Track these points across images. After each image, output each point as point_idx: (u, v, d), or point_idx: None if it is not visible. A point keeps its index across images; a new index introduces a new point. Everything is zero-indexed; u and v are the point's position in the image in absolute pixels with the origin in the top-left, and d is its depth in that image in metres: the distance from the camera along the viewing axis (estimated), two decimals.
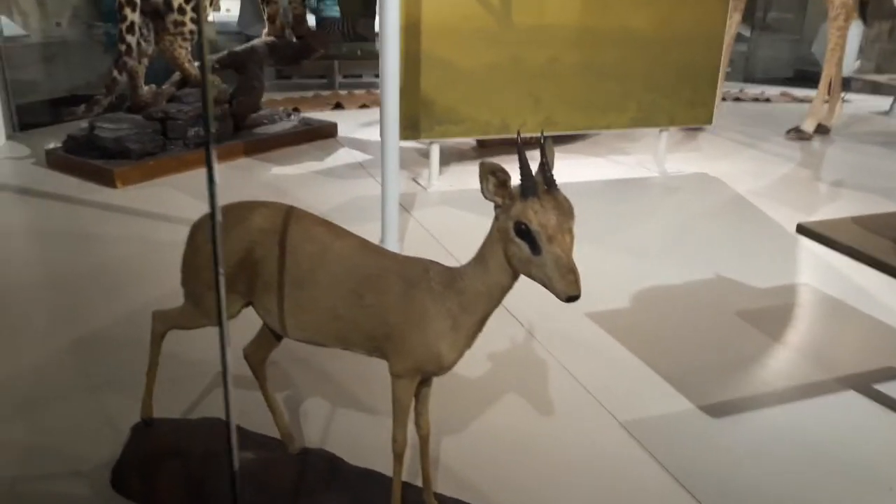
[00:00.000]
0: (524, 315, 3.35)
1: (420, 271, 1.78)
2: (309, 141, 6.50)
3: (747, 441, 2.60)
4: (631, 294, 3.72)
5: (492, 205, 1.65)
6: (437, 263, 1.82)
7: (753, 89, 9.99)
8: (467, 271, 1.74)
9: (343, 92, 8.86)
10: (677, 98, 5.87)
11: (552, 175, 1.63)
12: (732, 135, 7.38)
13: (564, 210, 1.59)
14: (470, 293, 1.73)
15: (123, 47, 5.31)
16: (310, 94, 8.55)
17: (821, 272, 4.04)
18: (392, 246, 3.99)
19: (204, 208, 2.06)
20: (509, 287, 1.73)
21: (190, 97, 5.69)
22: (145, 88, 5.63)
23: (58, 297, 3.61)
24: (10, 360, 2.99)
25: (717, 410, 2.77)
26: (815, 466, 2.48)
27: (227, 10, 9.72)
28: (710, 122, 6.15)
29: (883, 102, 9.05)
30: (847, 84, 8.58)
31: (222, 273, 1.42)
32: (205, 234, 1.92)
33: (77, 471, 2.33)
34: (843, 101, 7.69)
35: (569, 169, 5.99)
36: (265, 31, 6.65)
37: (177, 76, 5.92)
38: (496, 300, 1.75)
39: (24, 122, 6.60)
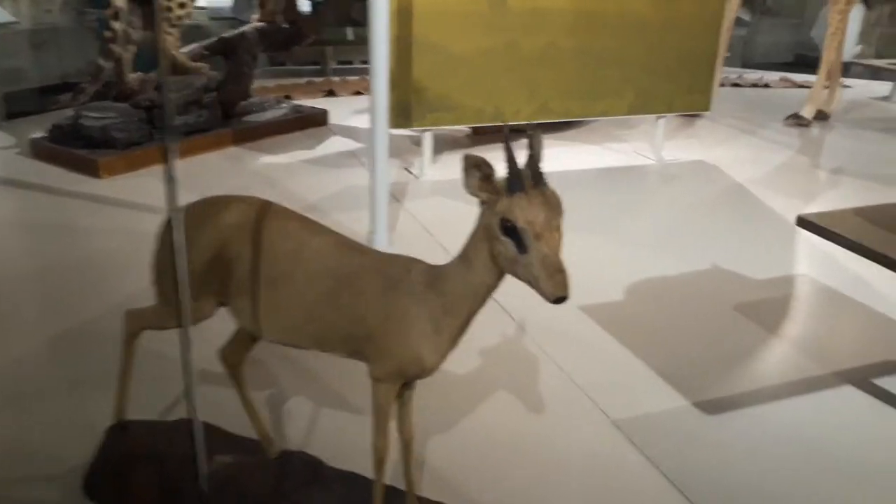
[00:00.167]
0: (515, 308, 3.27)
1: (401, 270, 1.70)
2: (300, 129, 6.38)
3: (742, 438, 2.53)
4: (625, 286, 3.64)
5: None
6: (420, 262, 1.73)
7: (752, 75, 9.86)
8: (451, 270, 1.66)
9: (336, 79, 8.72)
10: (675, 84, 5.76)
11: (540, 169, 1.54)
12: (731, 121, 7.27)
13: (552, 206, 1.50)
14: (453, 294, 1.65)
15: (109, 34, 5.19)
16: (302, 80, 8.41)
17: (820, 263, 3.96)
18: (382, 237, 3.90)
19: (193, 198, 1.98)
20: (495, 287, 1.64)
21: (178, 85, 5.57)
22: (132, 76, 5.51)
23: (40, 291, 3.52)
24: None
25: (711, 407, 2.69)
26: (812, 464, 2.41)
27: None
28: (708, 108, 6.05)
29: (883, 88, 8.93)
30: (847, 69, 8.46)
31: (185, 277, 1.33)
32: None
33: (48, 474, 2.25)
34: (843, 86, 7.58)
35: (564, 157, 5.90)
36: (256, 16, 6.52)
37: None
38: (481, 300, 1.66)
39: (12, 111, 6.48)
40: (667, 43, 5.60)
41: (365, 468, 2.11)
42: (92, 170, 4.98)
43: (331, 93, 7.95)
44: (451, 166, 5.49)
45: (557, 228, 1.49)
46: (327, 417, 2.57)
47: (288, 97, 7.28)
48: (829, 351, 3.12)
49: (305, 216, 1.85)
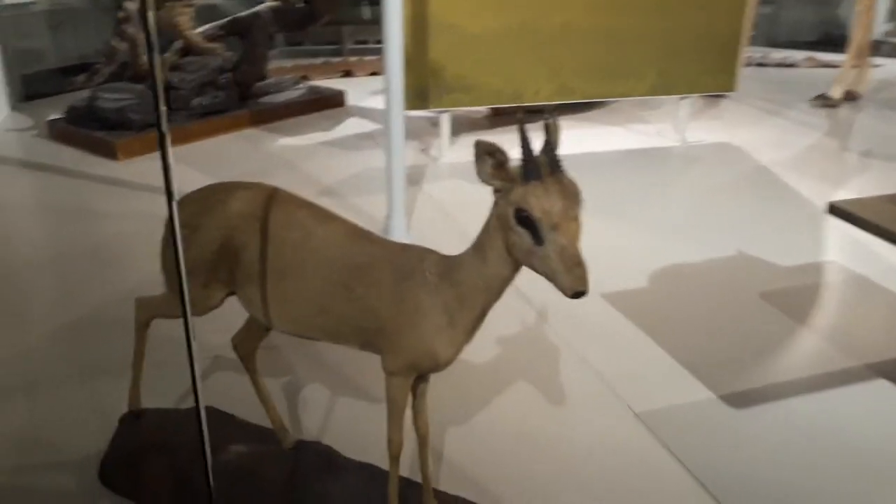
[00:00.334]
0: (535, 295, 3.20)
1: (414, 261, 1.63)
2: (317, 110, 6.32)
3: (769, 433, 2.45)
4: (648, 273, 3.55)
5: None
6: (433, 252, 1.66)
7: (778, 54, 9.62)
8: (465, 261, 1.59)
9: (353, 58, 8.63)
10: (698, 64, 5.60)
11: (557, 155, 1.46)
12: (756, 102, 7.09)
13: (570, 194, 1.42)
14: (467, 285, 1.58)
15: (123, 14, 5.14)
16: (319, 60, 8.33)
17: (849, 249, 3.83)
18: (399, 222, 3.83)
19: (208, 182, 1.93)
20: (511, 279, 1.57)
21: (193, 66, 5.52)
22: (145, 58, 5.46)
23: (55, 276, 3.51)
24: (1, 343, 2.89)
25: (737, 400, 2.61)
26: (842, 460, 2.33)
27: None
28: (732, 88, 5.88)
29: None
30: (877, 47, 8.22)
31: (183, 266, 1.27)
32: (183, 218, 1.76)
33: (65, 462, 2.23)
34: (873, 65, 7.35)
35: (584, 139, 5.78)
36: None
37: (179, 44, 5.74)
38: (496, 293, 1.60)
39: (30, 92, 6.48)
40: (690, 21, 5.45)
41: (381, 459, 2.07)
42: (109, 152, 4.95)
43: (348, 73, 7.87)
44: (470, 148, 5.37)
45: (575, 218, 1.41)
46: (344, 406, 2.52)
47: (305, 77, 7.21)
48: (859, 342, 3.02)
49: (315, 203, 1.78)
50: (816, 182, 4.88)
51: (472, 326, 1.65)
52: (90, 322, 3.03)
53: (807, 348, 2.98)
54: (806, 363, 2.87)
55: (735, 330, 3.09)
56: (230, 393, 2.46)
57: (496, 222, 1.50)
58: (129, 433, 2.17)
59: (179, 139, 5.26)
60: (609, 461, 2.31)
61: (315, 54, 8.84)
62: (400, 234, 3.83)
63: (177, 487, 2.05)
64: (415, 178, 4.78)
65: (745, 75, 6.48)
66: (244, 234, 1.71)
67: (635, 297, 3.34)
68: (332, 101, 6.51)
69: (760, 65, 9.03)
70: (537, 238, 1.41)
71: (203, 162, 4.96)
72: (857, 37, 6.82)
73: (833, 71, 7.55)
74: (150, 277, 3.09)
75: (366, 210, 4.20)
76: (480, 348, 2.82)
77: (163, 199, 1.87)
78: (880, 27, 9.53)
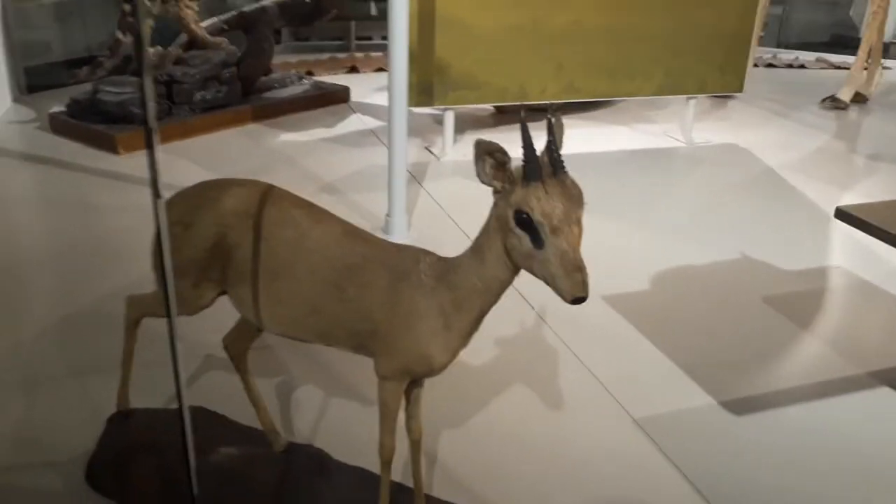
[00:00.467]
0: (534, 296, 3.15)
1: (409, 262, 1.59)
2: (321, 106, 6.28)
3: (771, 441, 2.40)
4: (650, 275, 3.50)
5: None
6: (429, 253, 1.62)
7: (787, 55, 9.54)
8: (462, 263, 1.55)
9: (359, 54, 8.59)
10: (707, 64, 5.54)
11: (560, 156, 1.41)
12: (764, 103, 7.03)
13: (572, 197, 1.38)
14: (464, 288, 1.54)
15: (127, 7, 5.11)
16: (325, 56, 8.29)
17: (856, 254, 3.78)
18: (399, 220, 3.79)
19: (210, 177, 1.89)
20: (509, 282, 1.53)
21: (196, 60, 5.48)
22: (150, 50, 5.43)
23: (54, 270, 3.47)
24: None
25: (739, 407, 2.56)
26: (846, 469, 2.28)
27: None
28: (740, 89, 5.82)
29: None
30: (888, 50, 8.14)
31: (169, 269, 1.23)
32: (174, 216, 1.73)
33: (52, 463, 2.19)
34: (884, 68, 7.28)
35: (590, 138, 5.73)
36: None
37: (183, 38, 5.70)
38: (494, 296, 1.56)
39: (33, 84, 6.45)
40: (699, 21, 5.39)
41: (374, 463, 2.02)
42: (110, 145, 4.92)
43: (354, 69, 7.83)
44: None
45: (577, 222, 1.37)
46: (337, 408, 2.48)
47: (310, 73, 7.17)
48: (864, 349, 2.96)
49: (310, 202, 1.74)
50: (824, 185, 4.82)
51: (468, 330, 1.61)
52: (87, 317, 3.00)
53: (809, 354, 2.92)
54: (808, 369, 2.81)
55: (737, 334, 3.04)
56: (222, 393, 2.42)
57: (495, 224, 1.46)
58: (116, 433, 2.13)
59: (181, 133, 5.23)
60: (606, 468, 2.26)
61: (321, 50, 8.80)
62: (400, 233, 3.79)
63: (165, 489, 2.01)
64: (417, 176, 4.74)
65: (753, 76, 6.43)
66: (237, 233, 1.67)
67: (636, 299, 3.29)
68: (336, 97, 6.46)
69: (770, 65, 8.96)
70: (537, 241, 1.37)
71: (204, 157, 4.93)
72: (869, 38, 6.75)
73: (844, 72, 7.48)
74: (149, 273, 3.07)
75: (367, 207, 4.16)
76: (478, 350, 2.78)
77: (164, 195, 1.84)
78: (893, 29, 9.44)
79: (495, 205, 1.46)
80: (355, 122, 5.97)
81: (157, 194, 1.15)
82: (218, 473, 2.04)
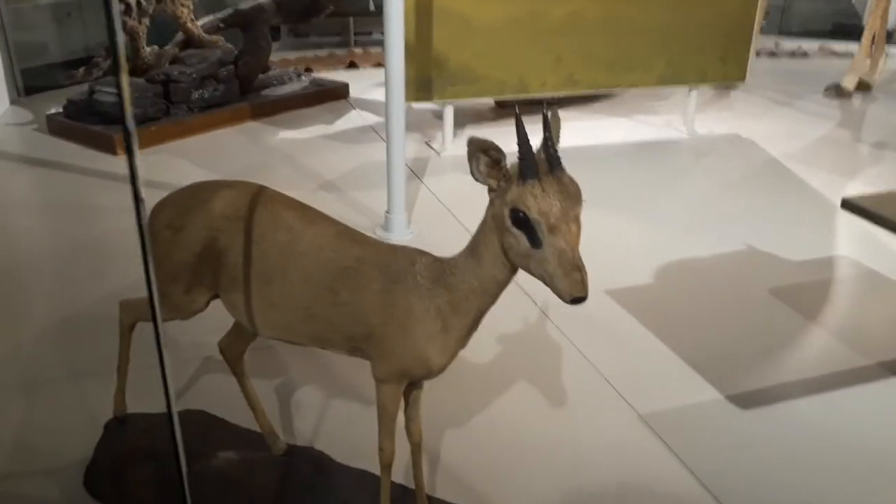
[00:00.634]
0: (537, 291, 3.11)
1: (405, 264, 1.55)
2: (319, 103, 6.23)
3: (778, 435, 2.37)
4: (654, 269, 3.46)
5: None
6: (425, 253, 1.58)
7: (790, 43, 9.46)
8: (459, 263, 1.52)
9: (358, 50, 8.54)
10: (708, 54, 5.48)
11: (556, 152, 1.37)
12: (767, 93, 6.96)
13: (570, 194, 1.34)
14: (461, 289, 1.51)
15: (122, 6, 5.06)
16: (324, 52, 8.25)
17: (863, 244, 3.73)
18: (399, 217, 3.75)
19: (208, 177, 1.85)
20: (507, 282, 1.50)
21: (193, 59, 5.44)
22: (147, 50, 5.39)
23: (52, 272, 3.45)
24: None
25: (746, 401, 2.52)
26: (855, 463, 2.24)
27: None
28: (743, 79, 5.76)
29: None
30: (891, 37, 8.05)
31: (153, 274, 1.20)
32: (164, 219, 1.70)
33: (50, 469, 2.17)
34: (887, 55, 7.20)
35: (591, 131, 5.68)
36: None
37: (180, 37, 5.67)
38: (492, 297, 1.52)
39: (30, 86, 6.42)
40: (700, 10, 5.32)
41: (376, 464, 1.98)
42: (108, 146, 4.89)
43: (353, 65, 7.78)
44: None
45: (575, 220, 1.33)
46: (338, 409, 2.45)
47: (309, 70, 7.13)
48: (872, 340, 2.92)
49: (302, 203, 1.70)
50: (828, 174, 4.77)
51: (466, 332, 1.58)
52: (86, 320, 2.97)
53: (817, 346, 2.88)
54: (816, 362, 2.77)
55: (743, 327, 3.00)
56: (222, 395, 2.40)
57: (492, 223, 1.43)
58: (114, 439, 2.11)
59: (179, 133, 5.19)
60: (612, 464, 2.23)
61: (320, 46, 8.76)
62: (400, 230, 3.75)
63: (163, 495, 1.98)
64: (417, 172, 4.70)
65: (755, 66, 6.36)
66: (228, 236, 1.63)
67: (641, 293, 3.25)
68: (335, 94, 6.42)
69: (772, 55, 8.88)
70: (534, 240, 1.34)
71: (203, 156, 4.89)
72: (872, 26, 6.68)
73: (847, 61, 7.41)
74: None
75: (367, 205, 4.13)
76: (480, 347, 2.75)
77: (162, 195, 1.82)
78: (895, 16, 9.34)
79: (491, 203, 1.42)
80: (355, 119, 5.93)
81: (137, 198, 1.11)
82: (217, 478, 2.02)
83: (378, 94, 6.53)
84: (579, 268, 1.31)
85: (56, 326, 2.94)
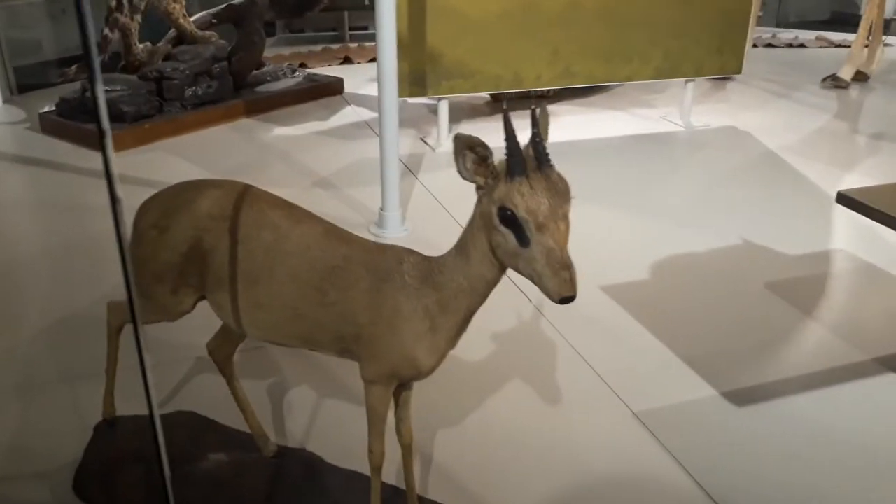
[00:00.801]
0: (530, 287, 3.08)
1: (392, 263, 1.53)
2: (314, 98, 6.20)
3: (773, 432, 2.35)
4: (649, 264, 3.44)
5: None
6: (414, 253, 1.56)
7: (787, 34, 9.42)
8: (447, 263, 1.49)
9: (353, 45, 8.50)
10: (705, 45, 5.45)
11: (545, 149, 1.35)
12: (764, 84, 6.93)
13: (558, 192, 1.32)
14: (450, 289, 1.48)
15: (114, 3, 5.03)
16: (319, 48, 8.21)
17: (859, 237, 3.71)
18: (393, 214, 3.73)
19: (202, 175, 1.83)
20: (496, 281, 1.48)
21: (186, 55, 5.41)
22: (140, 46, 5.36)
23: (44, 272, 3.42)
24: None
25: (741, 398, 2.50)
26: (851, 460, 2.22)
27: None
28: (739, 70, 5.73)
29: None
30: (889, 26, 8.02)
31: (132, 274, 1.17)
32: (149, 220, 1.68)
33: (40, 472, 2.15)
34: (885, 45, 7.17)
35: (587, 124, 5.65)
36: None
37: (172, 33, 5.63)
38: (481, 296, 1.50)
39: (23, 84, 6.38)
40: (696, 2, 5.29)
41: (367, 466, 1.96)
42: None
43: (347, 60, 7.74)
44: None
45: (564, 218, 1.31)
46: (331, 409, 2.43)
47: (303, 65, 7.09)
48: (869, 335, 2.90)
49: (289, 202, 1.68)
50: (825, 166, 4.74)
51: (455, 332, 1.55)
52: (77, 321, 2.95)
53: (813, 341, 2.86)
54: (812, 357, 2.75)
55: (739, 322, 2.98)
56: (214, 396, 2.37)
57: (480, 221, 1.40)
58: (103, 442, 2.09)
59: (172, 130, 5.16)
60: (605, 463, 2.21)
61: (315, 41, 8.71)
62: (394, 227, 3.73)
63: (152, 497, 1.97)
64: (412, 168, 4.67)
65: (752, 56, 6.33)
66: (214, 236, 1.61)
67: (635, 288, 3.23)
68: (329, 89, 6.38)
69: (769, 45, 8.84)
70: (522, 239, 1.31)
71: (196, 154, 4.86)
72: (869, 15, 6.64)
73: (844, 51, 7.37)
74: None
75: (361, 201, 4.10)
76: (474, 344, 2.73)
77: (120, 197, 1.78)
78: (893, 5, 9.30)
79: (479, 201, 1.40)
80: (349, 115, 5.90)
81: (114, 198, 1.09)
82: (207, 480, 2.00)
83: (373, 90, 6.46)
84: (568, 266, 1.28)
85: (48, 327, 2.92)
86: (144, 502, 1.95)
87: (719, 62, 5.57)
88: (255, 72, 6.02)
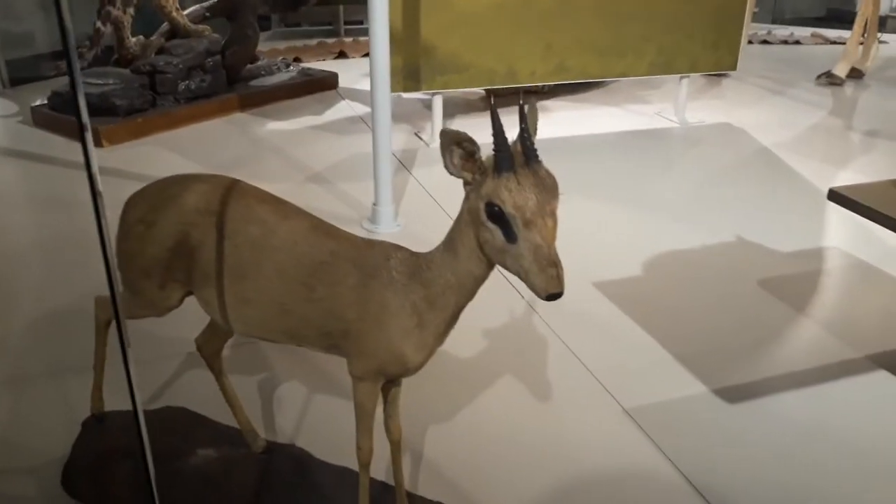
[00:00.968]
0: (523, 285, 3.08)
1: (380, 258, 1.52)
2: (308, 93, 6.18)
3: (766, 430, 2.34)
4: (642, 260, 3.43)
5: None
6: (402, 248, 1.55)
7: (782, 31, 9.43)
8: (435, 259, 1.48)
9: (348, 39, 8.48)
10: (700, 41, 5.44)
11: (533, 144, 1.34)
12: (759, 81, 6.93)
13: (546, 188, 1.31)
14: (438, 285, 1.47)
15: None
16: (314, 42, 8.18)
17: (853, 235, 3.71)
18: (386, 209, 3.72)
19: (195, 169, 1.81)
20: (484, 278, 1.47)
21: (180, 49, 5.38)
22: (132, 40, 5.33)
23: (36, 266, 3.41)
24: None
25: (732, 395, 2.50)
26: (843, 458, 2.22)
27: None
28: (734, 67, 5.72)
29: None
30: (884, 23, 8.02)
31: (115, 269, 1.16)
32: (136, 214, 1.66)
33: (27, 467, 2.14)
34: (880, 42, 7.17)
35: (581, 120, 5.65)
36: None
37: (166, 27, 5.60)
38: (469, 293, 1.49)
39: (15, 77, 6.34)
40: None
41: (356, 462, 1.97)
42: (93, 139, 4.83)
43: (342, 54, 7.72)
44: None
45: (551, 214, 1.30)
46: (321, 404, 2.42)
47: (298, 59, 7.07)
48: (862, 332, 2.90)
49: (276, 196, 1.66)
50: (820, 163, 4.75)
51: (443, 328, 1.54)
52: (68, 314, 2.93)
53: (806, 339, 2.86)
54: (804, 354, 2.75)
55: (731, 320, 2.98)
56: (204, 392, 2.36)
57: (467, 217, 1.39)
58: (91, 437, 2.07)
59: (165, 124, 5.14)
60: (596, 460, 2.21)
61: (310, 35, 8.69)
62: (387, 222, 3.72)
63: (140, 493, 1.95)
64: (406, 163, 4.66)
65: (747, 53, 6.33)
66: (200, 231, 1.59)
67: (628, 285, 3.22)
68: (324, 84, 6.36)
69: (764, 42, 8.85)
70: (509, 235, 1.30)
71: (190, 148, 4.84)
72: (864, 12, 6.64)
73: (839, 48, 7.38)
74: None
75: (355, 196, 4.09)
76: (465, 341, 2.72)
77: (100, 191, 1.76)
78: (889, 3, 9.31)
79: (467, 197, 1.39)
80: (343, 109, 5.88)
81: (95, 192, 1.08)
82: (196, 476, 1.99)
83: (368, 84, 6.46)
84: (555, 263, 1.28)
85: (39, 321, 2.90)
86: (133, 498, 1.94)
87: (714, 58, 5.56)
88: (248, 66, 6.00)
